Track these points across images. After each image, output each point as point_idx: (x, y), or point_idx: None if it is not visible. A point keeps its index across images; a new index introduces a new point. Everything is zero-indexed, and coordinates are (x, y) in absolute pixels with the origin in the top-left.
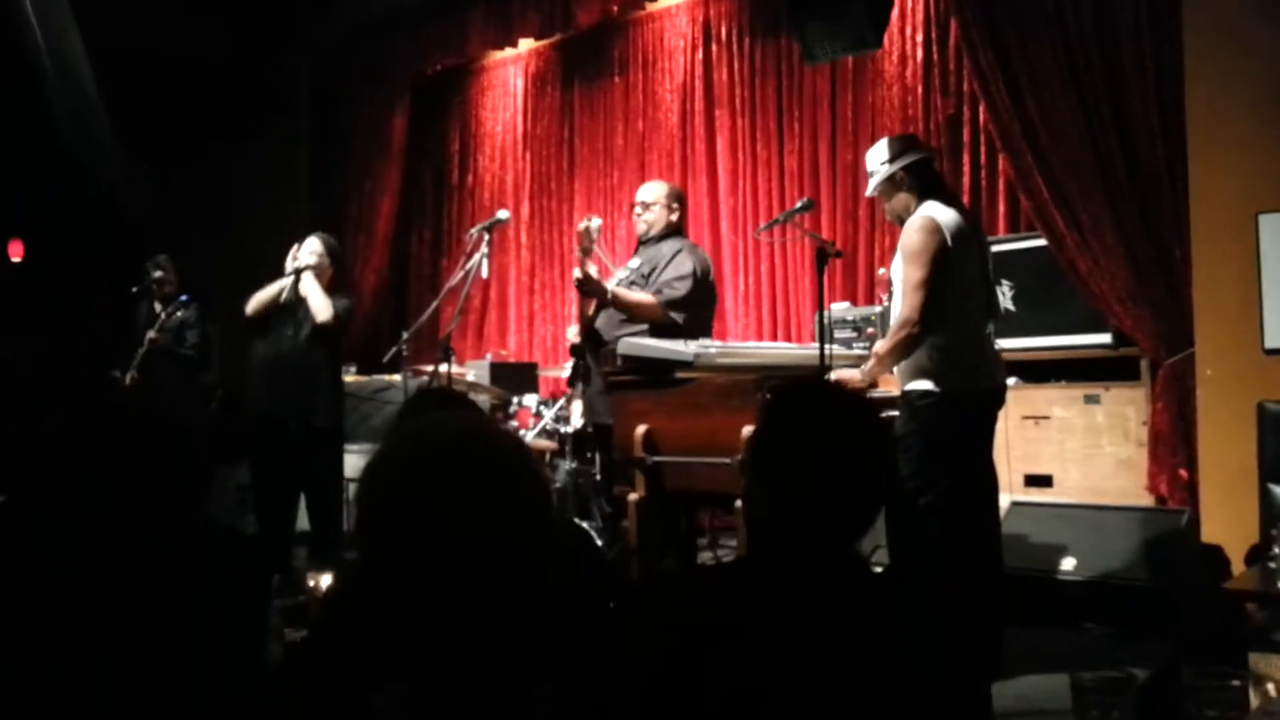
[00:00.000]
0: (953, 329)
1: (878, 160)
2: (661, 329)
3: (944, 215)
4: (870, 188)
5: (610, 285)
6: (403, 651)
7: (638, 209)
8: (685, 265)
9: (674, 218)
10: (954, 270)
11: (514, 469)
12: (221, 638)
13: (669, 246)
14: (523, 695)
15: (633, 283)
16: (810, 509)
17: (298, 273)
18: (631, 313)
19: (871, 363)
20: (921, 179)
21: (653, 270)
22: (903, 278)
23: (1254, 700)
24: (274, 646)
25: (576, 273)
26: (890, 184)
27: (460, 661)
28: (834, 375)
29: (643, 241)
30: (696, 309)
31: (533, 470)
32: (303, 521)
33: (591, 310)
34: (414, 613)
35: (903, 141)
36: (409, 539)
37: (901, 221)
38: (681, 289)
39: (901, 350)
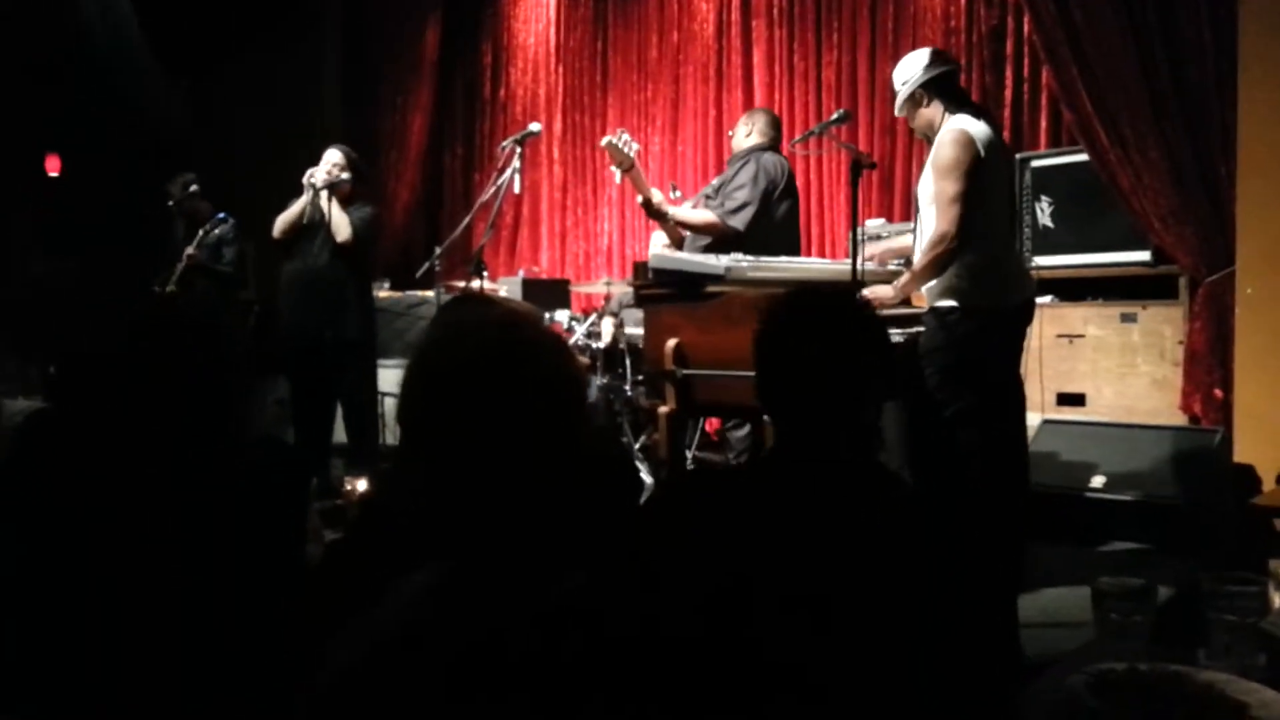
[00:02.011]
0: (983, 245)
1: (901, 79)
2: (726, 242)
3: (976, 128)
4: (896, 106)
5: (687, 205)
6: (439, 537)
7: None
8: (746, 174)
9: (750, 139)
10: (986, 184)
11: (550, 355)
12: (263, 538)
13: (740, 164)
14: (554, 582)
15: (708, 196)
16: (805, 404)
17: (315, 190)
18: (694, 231)
19: (905, 278)
20: (945, 93)
21: (720, 187)
22: (936, 192)
23: (1275, 602)
24: (313, 546)
25: (640, 199)
26: (912, 101)
27: (494, 546)
28: (866, 293)
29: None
30: (761, 217)
31: (568, 359)
32: (339, 435)
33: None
34: (453, 494)
35: (925, 56)
36: (450, 419)
37: (929, 138)
38: (739, 197)
39: (938, 265)
